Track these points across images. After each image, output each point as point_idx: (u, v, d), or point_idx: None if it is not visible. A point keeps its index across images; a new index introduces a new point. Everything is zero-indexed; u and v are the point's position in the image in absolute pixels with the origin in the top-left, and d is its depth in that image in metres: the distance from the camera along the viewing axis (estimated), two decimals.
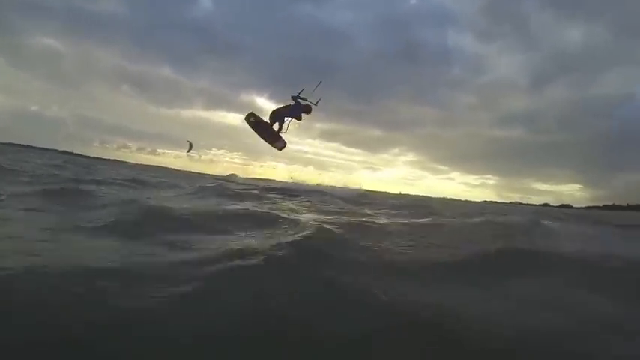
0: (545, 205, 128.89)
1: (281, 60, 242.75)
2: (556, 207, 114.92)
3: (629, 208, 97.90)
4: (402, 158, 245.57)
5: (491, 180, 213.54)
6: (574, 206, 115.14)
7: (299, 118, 9.77)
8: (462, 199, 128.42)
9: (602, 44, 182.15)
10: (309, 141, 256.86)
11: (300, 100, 9.46)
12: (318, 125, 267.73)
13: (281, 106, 9.88)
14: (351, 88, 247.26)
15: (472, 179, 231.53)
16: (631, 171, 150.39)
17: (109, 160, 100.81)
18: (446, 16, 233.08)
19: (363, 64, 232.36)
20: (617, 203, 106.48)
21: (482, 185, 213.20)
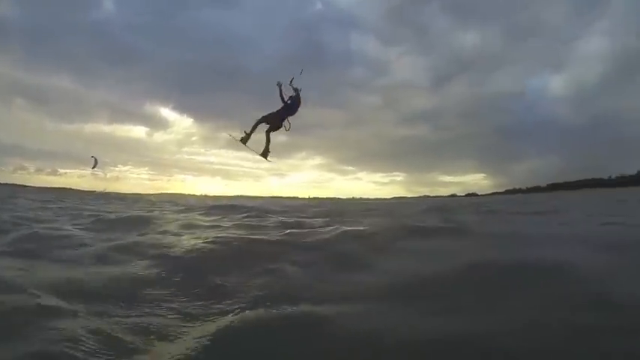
0: (453, 195, 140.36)
1: (186, 67, 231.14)
2: (463, 196, 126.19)
3: (527, 190, 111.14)
4: (310, 162, 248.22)
5: (399, 177, 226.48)
6: (479, 194, 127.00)
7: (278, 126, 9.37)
8: (372, 197, 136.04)
9: (494, 46, 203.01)
10: (216, 151, 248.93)
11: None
12: (224, 135, 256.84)
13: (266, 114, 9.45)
14: (258, 94, 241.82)
15: (380, 177, 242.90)
16: (526, 158, 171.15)
17: (5, 184, 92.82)
18: (350, 21, 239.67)
19: (270, 69, 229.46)
20: (517, 187, 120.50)
21: (392, 182, 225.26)
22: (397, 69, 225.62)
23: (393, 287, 4.09)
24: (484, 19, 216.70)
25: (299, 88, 9.05)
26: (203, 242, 6.36)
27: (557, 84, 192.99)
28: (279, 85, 9.00)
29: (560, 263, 4.26)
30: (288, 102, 9.03)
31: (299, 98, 9.10)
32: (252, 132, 9.63)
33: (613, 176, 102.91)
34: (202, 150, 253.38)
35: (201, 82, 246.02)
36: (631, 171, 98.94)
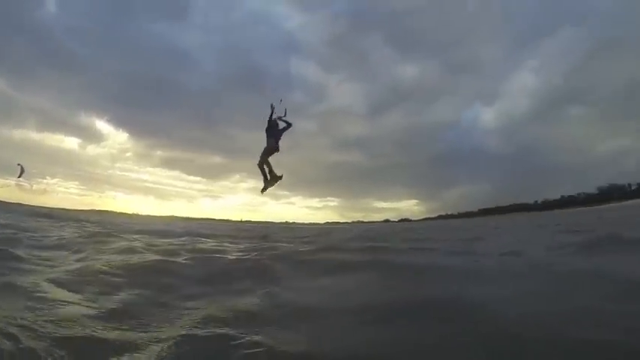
0: (387, 220, 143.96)
1: (126, 79, 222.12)
2: (396, 221, 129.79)
3: (460, 215, 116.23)
4: (243, 185, 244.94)
5: (333, 202, 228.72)
6: (412, 219, 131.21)
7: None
8: (306, 222, 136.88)
9: (432, 79, 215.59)
10: (150, 169, 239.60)
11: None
12: (159, 152, 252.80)
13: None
14: (194, 113, 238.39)
15: (314, 202, 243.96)
16: (458, 185, 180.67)
17: None
18: (292, 45, 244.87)
19: (207, 88, 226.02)
20: (449, 213, 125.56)
21: (325, 207, 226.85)
22: (335, 95, 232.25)
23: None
24: (424, 52, 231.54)
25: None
26: None
27: (488, 116, 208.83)
28: (272, 106, 9.34)
29: (462, 300, 4.21)
30: (278, 120, 9.35)
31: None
32: (267, 174, 9.80)
33: (539, 201, 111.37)
34: (136, 167, 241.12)
35: (140, 96, 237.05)
36: (554, 196, 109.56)
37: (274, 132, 9.43)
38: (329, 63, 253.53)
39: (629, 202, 76.48)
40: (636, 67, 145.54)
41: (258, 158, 9.74)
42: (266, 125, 9.43)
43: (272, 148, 9.52)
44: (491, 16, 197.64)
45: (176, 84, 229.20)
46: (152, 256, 8.39)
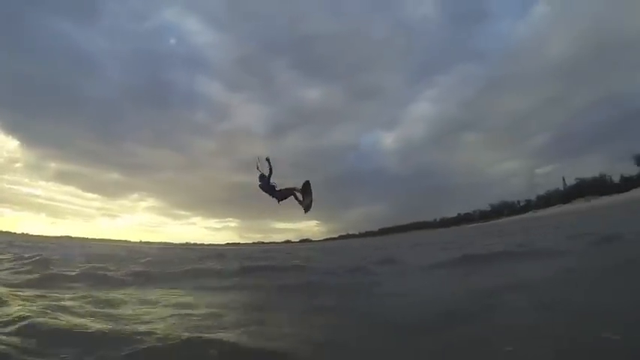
0: (288, 241, 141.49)
1: (18, 79, 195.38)
2: (297, 242, 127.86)
3: (360, 235, 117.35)
4: (143, 204, 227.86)
5: (232, 222, 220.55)
6: (313, 239, 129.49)
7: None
8: (206, 242, 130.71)
9: (336, 103, 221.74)
10: (43, 183, 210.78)
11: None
12: (53, 165, 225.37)
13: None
14: (93, 124, 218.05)
15: (214, 223, 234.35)
16: (358, 206, 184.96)
17: None
18: (199, 62, 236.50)
19: (109, 98, 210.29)
20: (350, 232, 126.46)
21: (225, 228, 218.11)
22: (238, 115, 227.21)
23: None
24: (329, 77, 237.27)
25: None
26: None
27: (388, 140, 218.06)
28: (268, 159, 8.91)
29: None
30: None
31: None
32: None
33: (437, 219, 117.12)
34: (27, 180, 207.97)
35: (35, 101, 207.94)
36: (452, 214, 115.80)
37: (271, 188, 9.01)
38: (234, 83, 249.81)
39: (517, 217, 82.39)
40: (519, 102, 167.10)
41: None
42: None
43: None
44: (395, 47, 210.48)
45: (75, 90, 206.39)
46: None
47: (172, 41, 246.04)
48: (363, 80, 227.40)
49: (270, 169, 8.81)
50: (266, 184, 8.83)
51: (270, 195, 8.97)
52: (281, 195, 9.06)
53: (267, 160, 8.82)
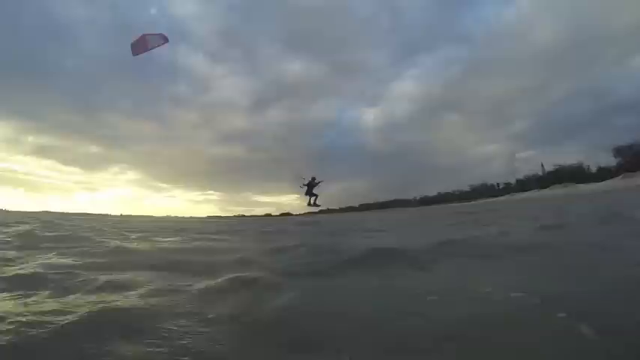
0: (268, 214, 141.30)
1: None
2: (277, 215, 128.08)
3: (341, 210, 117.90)
4: (123, 177, 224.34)
5: (213, 195, 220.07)
6: (294, 213, 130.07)
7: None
8: (187, 215, 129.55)
9: (318, 78, 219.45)
10: (21, 157, 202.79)
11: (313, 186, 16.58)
12: (31, 139, 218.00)
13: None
14: (71, 96, 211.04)
15: (195, 195, 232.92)
16: (339, 181, 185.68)
17: None
18: (181, 33, 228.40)
19: (86, 70, 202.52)
20: (331, 207, 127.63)
21: (206, 201, 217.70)
22: (220, 87, 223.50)
23: None
24: (311, 52, 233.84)
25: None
26: None
27: (370, 117, 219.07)
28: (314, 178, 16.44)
29: None
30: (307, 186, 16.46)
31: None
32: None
33: (417, 197, 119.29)
34: (4, 154, 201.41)
35: (9, 73, 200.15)
36: (432, 193, 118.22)
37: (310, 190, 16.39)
38: (217, 54, 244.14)
39: (495, 199, 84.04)
40: (501, 86, 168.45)
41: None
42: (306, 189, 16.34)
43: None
44: (380, 25, 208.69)
45: (52, 62, 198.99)
46: None
47: (153, 11, 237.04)
48: (347, 56, 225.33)
49: (310, 184, 16.06)
50: (306, 190, 16.08)
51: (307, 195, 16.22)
52: (311, 194, 16.23)
53: (313, 178, 16.17)
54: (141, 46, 10.04)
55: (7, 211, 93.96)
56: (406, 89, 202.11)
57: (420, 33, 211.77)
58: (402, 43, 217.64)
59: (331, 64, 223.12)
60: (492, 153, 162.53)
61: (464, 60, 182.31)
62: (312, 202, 16.23)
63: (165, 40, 10.39)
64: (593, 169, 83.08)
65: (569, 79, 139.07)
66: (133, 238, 13.13)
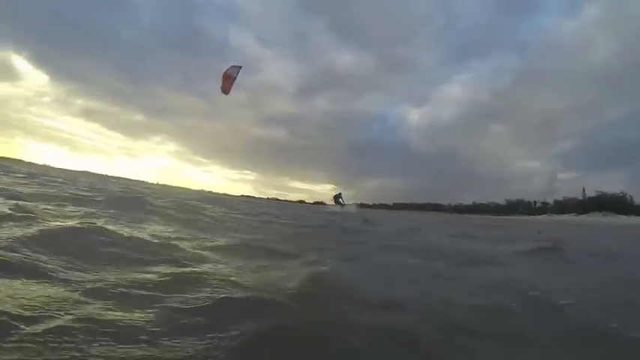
0: (301, 201, 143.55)
1: (52, 14, 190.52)
2: (311, 203, 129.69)
3: (374, 206, 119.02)
4: (164, 147, 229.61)
5: (250, 175, 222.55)
6: (327, 203, 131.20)
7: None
8: (221, 192, 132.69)
9: (367, 71, 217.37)
10: (68, 118, 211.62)
11: (340, 200, 45.64)
12: (80, 101, 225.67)
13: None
14: (122, 65, 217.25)
15: (232, 173, 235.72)
16: (376, 177, 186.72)
17: None
18: (235, 13, 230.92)
19: (141, 41, 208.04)
20: (364, 202, 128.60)
21: (242, 180, 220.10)
22: (268, 70, 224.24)
23: None
24: (364, 44, 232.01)
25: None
26: None
27: (415, 117, 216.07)
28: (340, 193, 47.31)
29: None
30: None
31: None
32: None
33: (452, 204, 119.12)
34: (53, 114, 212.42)
35: (66, 37, 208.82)
36: (467, 201, 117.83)
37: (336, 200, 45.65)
38: (268, 37, 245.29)
39: (530, 217, 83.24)
40: (551, 101, 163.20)
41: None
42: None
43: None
44: (434, 25, 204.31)
45: (108, 30, 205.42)
46: None
47: None
48: (398, 53, 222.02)
49: (337, 197, 45.94)
50: (336, 200, 45.48)
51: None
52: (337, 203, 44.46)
53: (340, 194, 46.66)
54: (228, 82, 11.92)
55: (50, 167, 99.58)
56: (454, 93, 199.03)
57: (475, 38, 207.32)
58: (455, 45, 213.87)
59: (382, 59, 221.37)
60: (533, 169, 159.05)
61: (516, 69, 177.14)
62: (337, 206, 34.99)
63: (240, 67, 12.38)
64: (638, 200, 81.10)
65: (623, 103, 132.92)
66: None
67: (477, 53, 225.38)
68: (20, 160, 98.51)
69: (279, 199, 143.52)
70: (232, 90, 12.01)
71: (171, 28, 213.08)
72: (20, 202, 7.54)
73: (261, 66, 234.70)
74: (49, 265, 3.59)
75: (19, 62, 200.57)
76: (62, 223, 5.76)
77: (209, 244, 6.57)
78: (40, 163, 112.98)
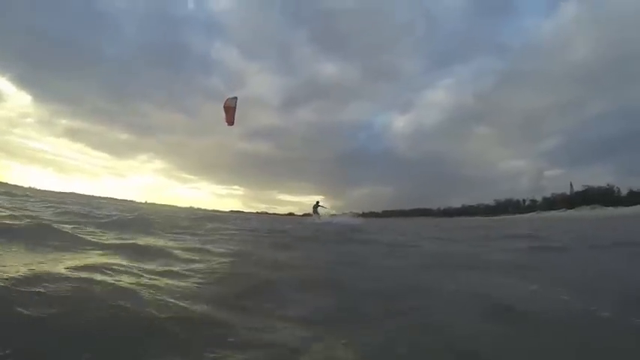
0: (291, 213, 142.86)
1: (33, 34, 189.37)
2: (300, 215, 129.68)
3: (363, 215, 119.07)
4: (150, 165, 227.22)
5: (238, 190, 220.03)
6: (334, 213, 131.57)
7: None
8: (210, 208, 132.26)
9: (351, 81, 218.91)
10: (52, 139, 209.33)
11: (318, 209, 34.68)
12: (64, 121, 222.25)
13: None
14: (106, 83, 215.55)
15: (220, 189, 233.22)
16: (363, 186, 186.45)
17: None
18: (218, 28, 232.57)
19: (123, 59, 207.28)
20: (353, 211, 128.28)
21: (230, 195, 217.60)
22: (252, 84, 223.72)
23: None
24: (347, 54, 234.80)
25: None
26: None
27: (400, 123, 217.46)
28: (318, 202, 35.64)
29: None
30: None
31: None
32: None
33: (441, 208, 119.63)
34: (37, 135, 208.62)
35: (50, 57, 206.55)
36: (456, 205, 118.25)
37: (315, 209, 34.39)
38: (251, 51, 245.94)
39: (519, 215, 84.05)
40: (534, 101, 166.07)
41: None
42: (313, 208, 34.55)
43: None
44: (416, 32, 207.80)
45: (90, 48, 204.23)
46: None
47: (191, 5, 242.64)
48: (381, 61, 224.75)
49: (316, 205, 34.37)
50: (314, 209, 34.03)
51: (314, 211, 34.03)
52: (315, 212, 34.05)
53: (318, 202, 34.88)
54: (230, 114, 12.15)
55: (36, 189, 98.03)
56: (438, 98, 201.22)
57: (456, 42, 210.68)
58: (436, 51, 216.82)
59: (364, 68, 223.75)
60: (520, 168, 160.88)
61: (498, 72, 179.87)
62: (315, 216, 32.59)
63: (236, 97, 12.71)
64: (624, 192, 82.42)
65: (605, 98, 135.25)
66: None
67: (459, 57, 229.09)
68: (5, 183, 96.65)
69: (267, 213, 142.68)
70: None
71: (155, 43, 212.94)
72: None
73: (245, 80, 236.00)
74: None
75: (2, 84, 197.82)
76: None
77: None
78: (26, 185, 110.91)
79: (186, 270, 4.57)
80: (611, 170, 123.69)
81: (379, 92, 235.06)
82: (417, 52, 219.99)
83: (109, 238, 7.31)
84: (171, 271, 4.43)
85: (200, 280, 4.10)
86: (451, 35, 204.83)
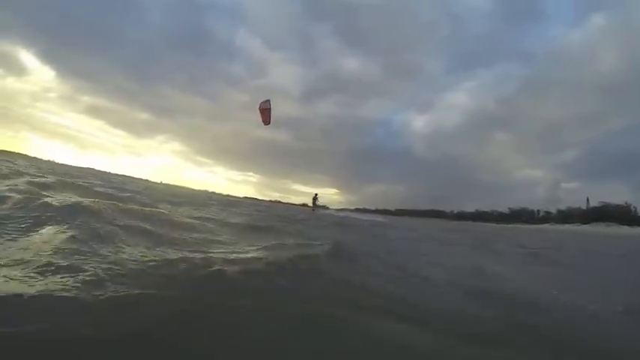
0: (304, 204, 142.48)
1: (62, 11, 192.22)
2: (311, 207, 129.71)
3: (376, 211, 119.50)
4: (167, 146, 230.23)
5: (253, 177, 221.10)
6: (330, 207, 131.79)
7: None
8: (224, 193, 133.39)
9: (372, 77, 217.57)
10: (74, 115, 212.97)
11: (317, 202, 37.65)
12: (86, 98, 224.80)
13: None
14: (129, 63, 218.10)
15: (235, 175, 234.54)
16: (378, 182, 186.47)
17: None
18: (243, 16, 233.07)
19: (148, 41, 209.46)
20: (366, 207, 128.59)
21: (244, 181, 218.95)
22: (273, 73, 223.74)
23: None
24: (369, 50, 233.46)
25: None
26: None
27: (420, 123, 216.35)
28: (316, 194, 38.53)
29: None
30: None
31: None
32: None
33: (455, 211, 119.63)
34: (59, 110, 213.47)
35: (75, 35, 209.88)
36: (469, 209, 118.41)
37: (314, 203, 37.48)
38: (274, 41, 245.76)
39: (533, 226, 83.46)
40: (556, 110, 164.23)
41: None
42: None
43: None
44: (440, 32, 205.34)
45: (116, 29, 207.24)
46: None
47: None
48: (403, 59, 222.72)
49: (315, 198, 37.71)
50: (313, 203, 37.12)
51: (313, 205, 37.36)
52: (315, 205, 37.14)
53: (316, 195, 38.00)
54: (265, 115, 13.10)
55: (55, 163, 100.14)
56: (458, 100, 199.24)
57: (480, 45, 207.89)
58: (460, 53, 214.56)
59: (386, 65, 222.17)
60: (536, 178, 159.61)
61: (521, 78, 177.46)
62: (314, 209, 34.66)
63: (269, 100, 13.69)
64: None
65: (629, 113, 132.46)
66: None
67: (483, 61, 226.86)
68: (25, 155, 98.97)
69: (281, 202, 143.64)
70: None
71: (179, 28, 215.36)
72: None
73: (267, 69, 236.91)
74: None
75: (27, 57, 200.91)
76: None
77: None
78: (45, 158, 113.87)
79: None
80: (630, 188, 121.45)
81: (399, 90, 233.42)
82: (439, 53, 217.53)
83: None
84: None
85: None
86: (475, 38, 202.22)
